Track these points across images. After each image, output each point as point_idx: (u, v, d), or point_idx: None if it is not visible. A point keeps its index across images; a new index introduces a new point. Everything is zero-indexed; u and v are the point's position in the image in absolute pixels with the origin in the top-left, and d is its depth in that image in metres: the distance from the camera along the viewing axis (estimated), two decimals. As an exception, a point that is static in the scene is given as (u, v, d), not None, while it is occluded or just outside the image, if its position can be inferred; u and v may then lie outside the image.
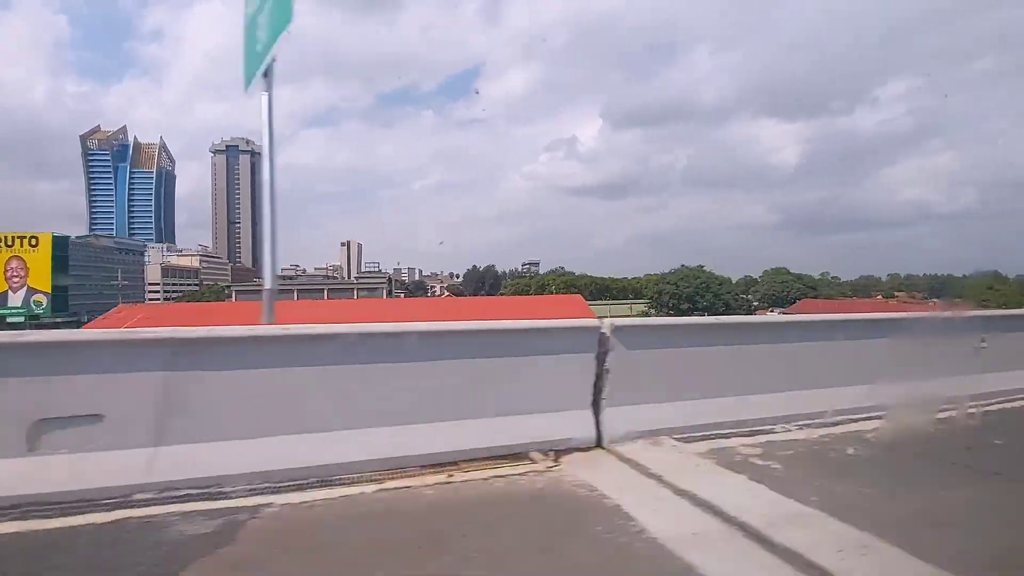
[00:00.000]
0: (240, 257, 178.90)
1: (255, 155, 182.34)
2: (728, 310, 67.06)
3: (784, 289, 78.55)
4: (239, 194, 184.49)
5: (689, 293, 71.16)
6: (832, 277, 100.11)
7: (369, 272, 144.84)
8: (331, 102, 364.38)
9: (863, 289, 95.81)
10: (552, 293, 70.76)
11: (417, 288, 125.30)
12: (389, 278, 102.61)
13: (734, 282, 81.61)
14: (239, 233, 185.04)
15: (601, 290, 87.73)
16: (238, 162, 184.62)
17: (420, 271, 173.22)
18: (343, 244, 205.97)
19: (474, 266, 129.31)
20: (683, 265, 77.67)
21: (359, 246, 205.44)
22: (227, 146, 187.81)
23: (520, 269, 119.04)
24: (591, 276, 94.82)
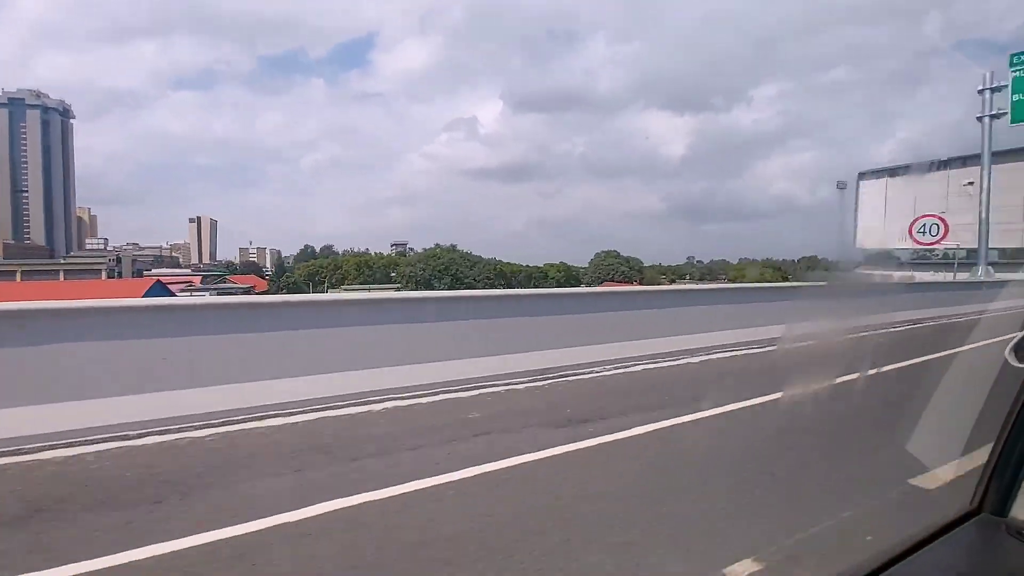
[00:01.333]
0: (29, 232, 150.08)
1: (48, 111, 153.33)
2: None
3: (609, 271, 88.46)
4: (26, 158, 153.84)
5: (426, 276, 74.71)
6: (697, 261, 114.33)
7: (94, 251, 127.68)
8: (204, 63, 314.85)
9: (710, 273, 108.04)
10: (350, 277, 71.56)
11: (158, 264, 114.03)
12: (118, 257, 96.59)
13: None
14: (27, 204, 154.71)
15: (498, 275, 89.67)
16: (24, 119, 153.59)
17: (280, 252, 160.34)
18: (192, 221, 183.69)
19: (307, 246, 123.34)
20: (437, 244, 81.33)
21: (212, 223, 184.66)
22: (10, 99, 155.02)
23: (391, 251, 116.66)
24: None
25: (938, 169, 29.26)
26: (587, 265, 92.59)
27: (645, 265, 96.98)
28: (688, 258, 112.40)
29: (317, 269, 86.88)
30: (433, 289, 70.33)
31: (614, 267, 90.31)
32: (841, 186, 33.11)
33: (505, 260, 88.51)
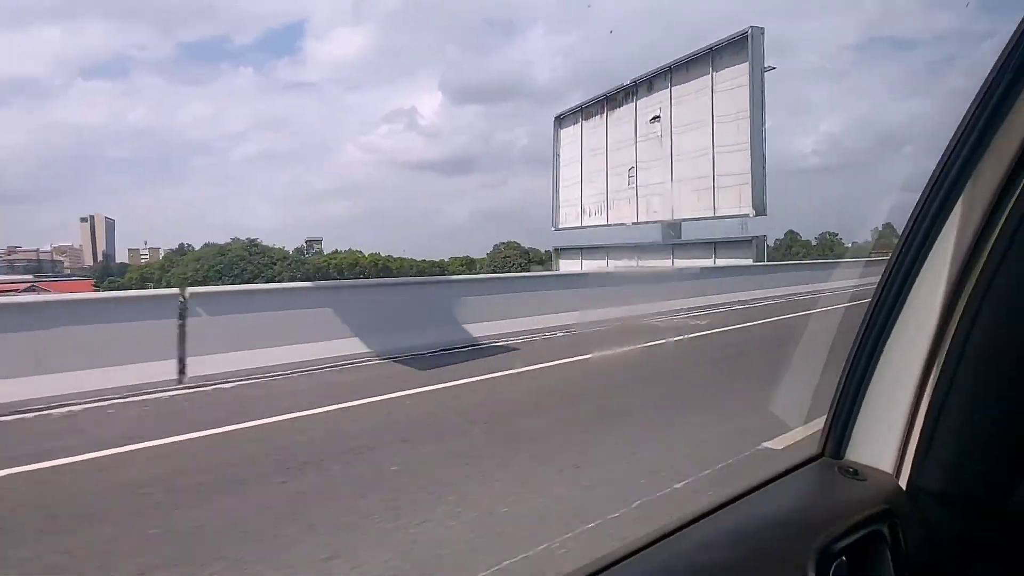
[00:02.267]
0: None
1: None
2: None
3: (505, 263, 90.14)
4: None
5: (199, 277, 70.48)
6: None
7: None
8: (117, 49, 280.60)
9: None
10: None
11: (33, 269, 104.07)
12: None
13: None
14: None
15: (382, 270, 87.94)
16: None
17: (172, 250, 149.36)
18: (84, 220, 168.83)
19: (183, 244, 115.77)
20: (234, 238, 76.97)
21: (109, 222, 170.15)
22: None
23: (303, 248, 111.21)
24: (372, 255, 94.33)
25: (625, 100, 18.89)
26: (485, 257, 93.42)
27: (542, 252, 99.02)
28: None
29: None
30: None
31: (511, 259, 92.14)
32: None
33: (439, 256, 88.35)
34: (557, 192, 22.69)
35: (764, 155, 14.91)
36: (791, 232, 49.30)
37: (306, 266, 73.85)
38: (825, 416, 0.79)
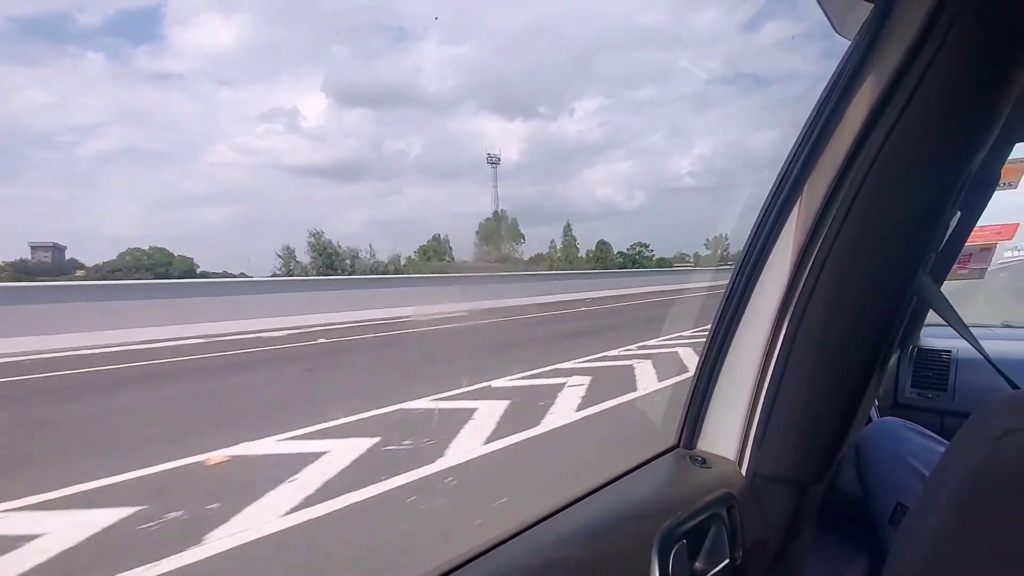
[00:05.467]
0: None
1: None
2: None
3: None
4: None
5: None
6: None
7: None
8: None
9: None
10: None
11: None
12: None
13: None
14: None
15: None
16: None
17: None
18: None
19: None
20: None
21: None
22: None
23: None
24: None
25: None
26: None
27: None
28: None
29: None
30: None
31: (378, 265, 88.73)
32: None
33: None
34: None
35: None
36: (639, 243, 54.96)
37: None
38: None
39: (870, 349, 0.71)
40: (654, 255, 52.25)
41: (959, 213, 0.78)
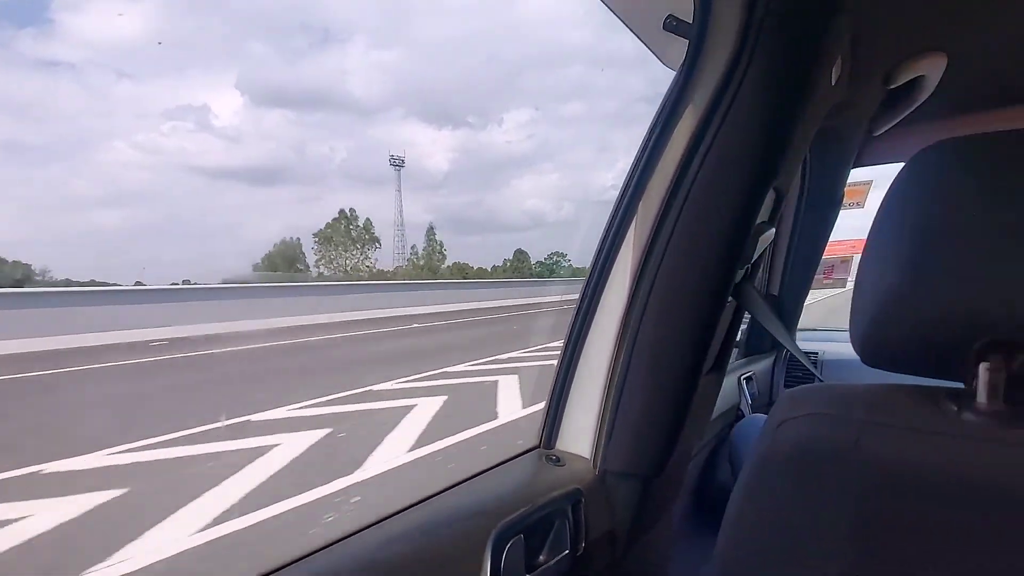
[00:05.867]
0: None
1: None
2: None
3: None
4: None
5: None
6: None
7: None
8: None
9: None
10: None
11: None
12: None
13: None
14: None
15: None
16: None
17: None
18: None
19: None
20: None
21: None
22: None
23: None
24: None
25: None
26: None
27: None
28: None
29: None
30: None
31: (289, 276, 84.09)
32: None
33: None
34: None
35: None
36: (557, 252, 55.17)
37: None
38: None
39: (696, 351, 0.78)
40: (571, 265, 53.50)
41: (772, 229, 0.88)
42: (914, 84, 1.05)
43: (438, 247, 57.95)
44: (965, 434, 0.44)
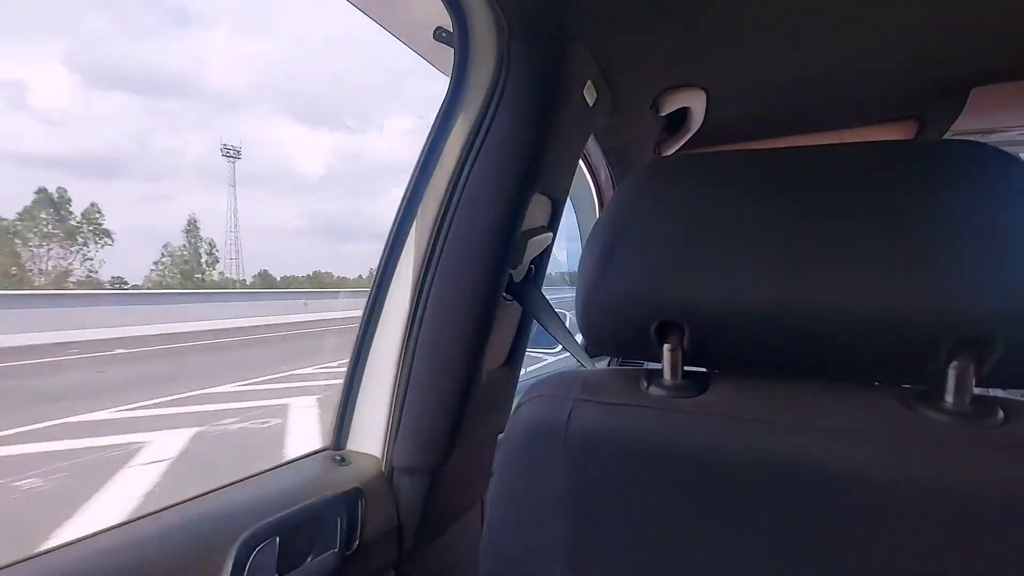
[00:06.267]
0: None
1: None
2: None
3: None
4: None
5: None
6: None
7: None
8: None
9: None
10: None
11: None
12: None
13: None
14: None
15: None
16: None
17: None
18: None
19: None
20: None
21: None
22: None
23: None
24: None
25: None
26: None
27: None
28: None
29: None
30: None
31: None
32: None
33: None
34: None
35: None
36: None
37: None
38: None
39: (474, 347, 0.83)
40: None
41: (550, 234, 0.96)
42: (685, 113, 1.18)
43: (206, 248, 48.41)
44: (650, 406, 0.51)
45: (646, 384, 0.54)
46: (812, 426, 0.46)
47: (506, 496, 0.57)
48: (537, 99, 0.79)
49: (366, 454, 0.86)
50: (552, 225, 1.00)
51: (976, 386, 0.45)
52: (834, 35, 0.87)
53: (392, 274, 0.85)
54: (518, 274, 0.92)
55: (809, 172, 0.49)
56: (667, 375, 0.52)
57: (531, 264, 0.97)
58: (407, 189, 0.84)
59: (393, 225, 0.85)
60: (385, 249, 0.85)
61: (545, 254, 0.99)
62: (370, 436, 0.86)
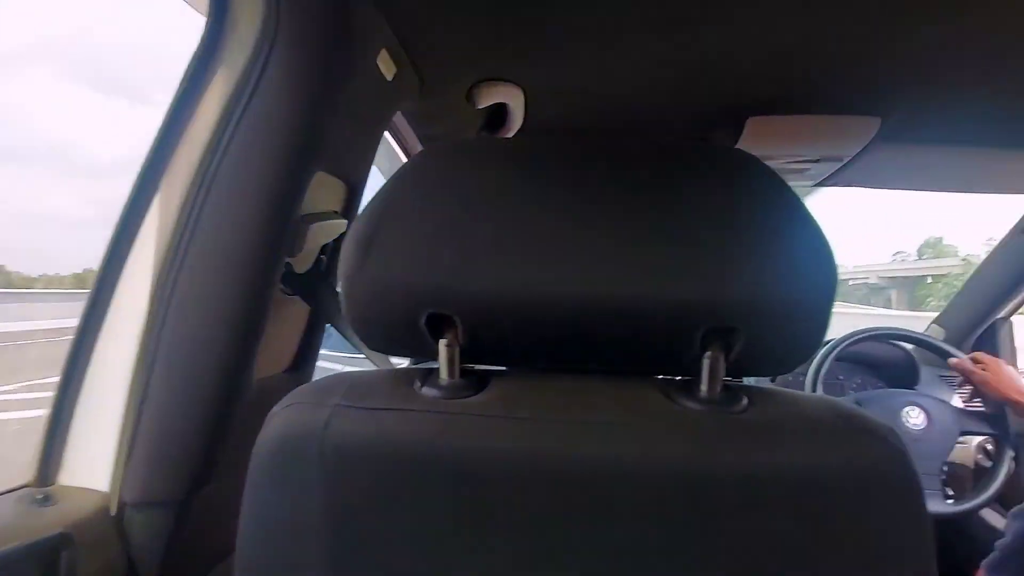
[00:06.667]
0: None
1: None
2: None
3: None
4: None
5: None
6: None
7: None
8: None
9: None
10: None
11: None
12: None
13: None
14: None
15: None
16: None
17: None
18: None
19: None
20: None
21: None
22: None
23: None
24: None
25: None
26: None
27: None
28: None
29: None
30: None
31: None
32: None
33: None
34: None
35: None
36: None
37: None
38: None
39: (239, 351, 0.69)
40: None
41: (343, 221, 0.86)
42: (505, 110, 1.14)
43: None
44: (416, 409, 0.46)
45: (419, 385, 0.49)
46: (580, 422, 0.45)
47: (258, 509, 0.49)
48: (317, 58, 0.68)
49: (85, 489, 0.68)
50: (347, 212, 0.90)
51: (732, 376, 0.47)
52: (635, 49, 0.89)
53: (121, 265, 0.67)
54: (301, 264, 0.80)
55: (583, 162, 0.48)
56: (443, 374, 0.48)
57: (321, 255, 0.85)
58: (147, 157, 0.67)
59: (125, 206, 0.67)
60: (114, 236, 0.66)
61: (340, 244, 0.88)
62: (92, 466, 0.69)
